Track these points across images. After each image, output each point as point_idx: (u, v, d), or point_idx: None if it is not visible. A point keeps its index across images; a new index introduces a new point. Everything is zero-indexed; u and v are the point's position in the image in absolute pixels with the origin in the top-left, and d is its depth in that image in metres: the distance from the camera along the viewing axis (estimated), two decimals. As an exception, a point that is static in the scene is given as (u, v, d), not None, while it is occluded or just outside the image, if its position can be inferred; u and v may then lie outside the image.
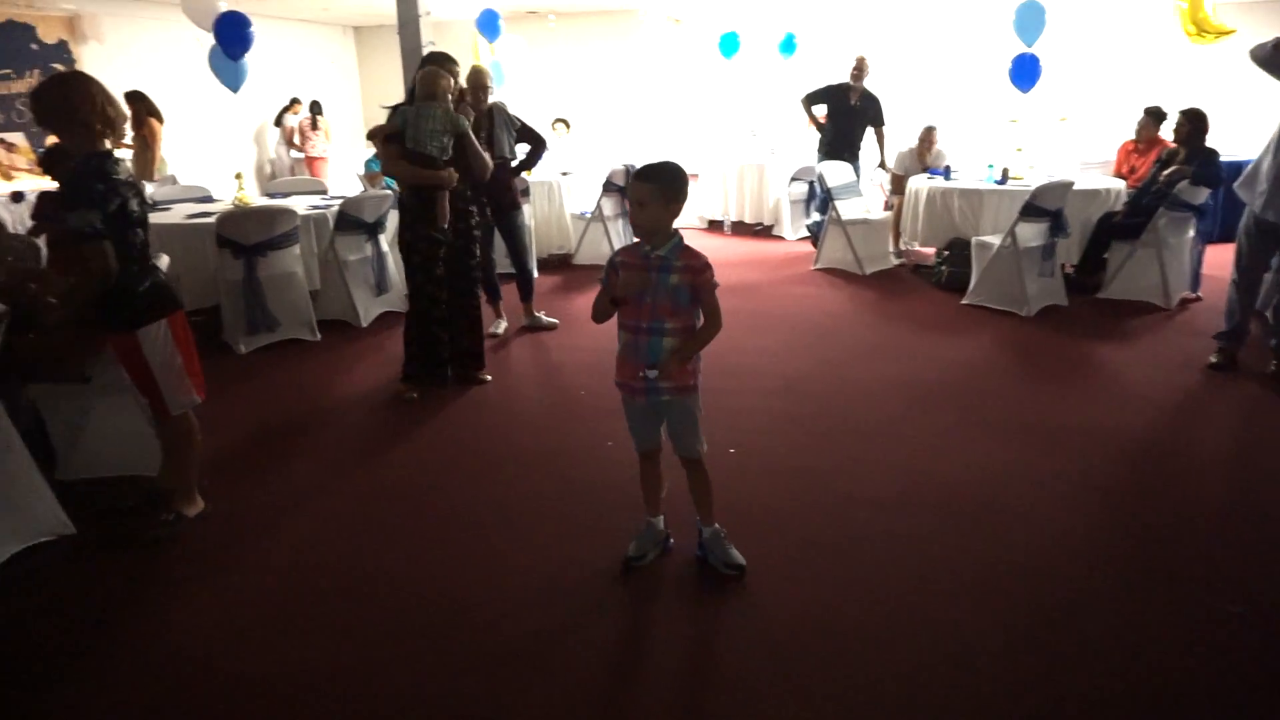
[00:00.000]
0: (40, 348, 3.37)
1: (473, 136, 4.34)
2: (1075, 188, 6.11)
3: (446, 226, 4.34)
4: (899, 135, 8.09)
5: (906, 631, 2.51)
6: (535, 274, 6.20)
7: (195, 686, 2.38)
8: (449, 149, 4.26)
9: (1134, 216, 6.15)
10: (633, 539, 2.90)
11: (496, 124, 5.21)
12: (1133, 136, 7.10)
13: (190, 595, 2.83)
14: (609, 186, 7.57)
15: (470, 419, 4.31)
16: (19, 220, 6.48)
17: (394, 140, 4.22)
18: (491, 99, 5.20)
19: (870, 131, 7.67)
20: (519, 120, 5.41)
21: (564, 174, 8.17)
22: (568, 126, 9.31)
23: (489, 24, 7.84)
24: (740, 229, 9.56)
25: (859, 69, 7.49)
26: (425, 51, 5.85)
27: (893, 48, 11.11)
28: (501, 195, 5.35)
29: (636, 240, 2.64)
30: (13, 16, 8.28)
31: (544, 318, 5.84)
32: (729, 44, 10.05)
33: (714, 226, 9.83)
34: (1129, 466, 3.65)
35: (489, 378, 4.76)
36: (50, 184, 4.70)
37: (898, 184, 7.75)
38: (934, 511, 3.21)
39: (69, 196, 2.76)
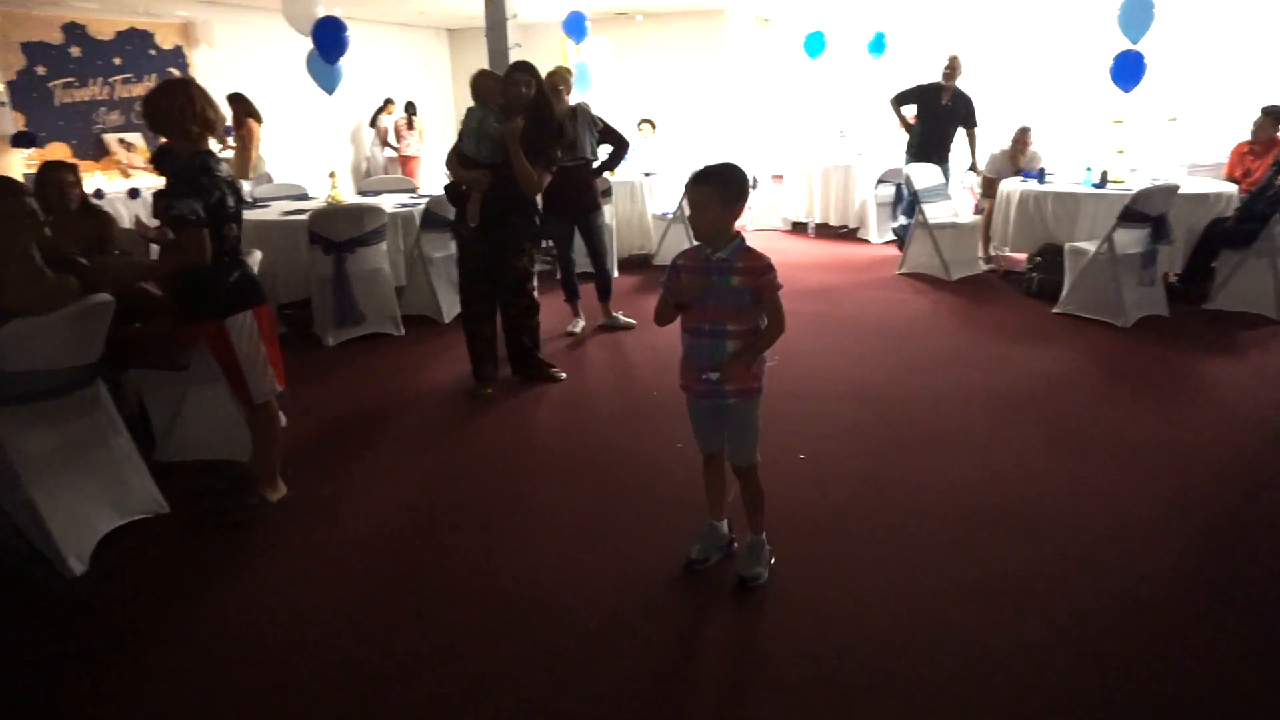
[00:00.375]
0: (143, 337, 3.58)
1: (516, 146, 4.20)
2: (1181, 192, 5.80)
3: (474, 226, 4.38)
4: (991, 136, 7.83)
5: (972, 655, 2.43)
6: (614, 274, 6.24)
7: (275, 664, 2.48)
8: (497, 152, 4.29)
9: (1246, 223, 5.80)
10: (696, 541, 2.89)
11: (579, 124, 5.26)
12: (1248, 138, 6.69)
13: (272, 576, 2.95)
14: (691, 187, 7.56)
15: (543, 416, 4.37)
16: (134, 215, 6.88)
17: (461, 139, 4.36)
18: (575, 99, 5.25)
19: (961, 133, 7.46)
20: (601, 121, 5.46)
21: (647, 174, 8.19)
22: (653, 127, 9.33)
23: (576, 25, 7.92)
24: (824, 231, 9.42)
25: (951, 68, 7.29)
26: (511, 51, 6.00)
27: (987, 45, 10.76)
28: (581, 195, 5.40)
29: (699, 243, 2.63)
30: (135, 24, 8.79)
31: (621, 318, 5.87)
32: (814, 44, 9.90)
33: (797, 229, 9.71)
34: (1231, 490, 3.44)
35: (563, 375, 4.81)
36: (161, 182, 4.97)
37: (989, 187, 7.50)
38: (1011, 529, 3.10)
39: (175, 188, 2.95)
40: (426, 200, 6.04)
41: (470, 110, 4.42)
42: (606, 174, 6.02)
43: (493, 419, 4.32)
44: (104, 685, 2.41)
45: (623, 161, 5.78)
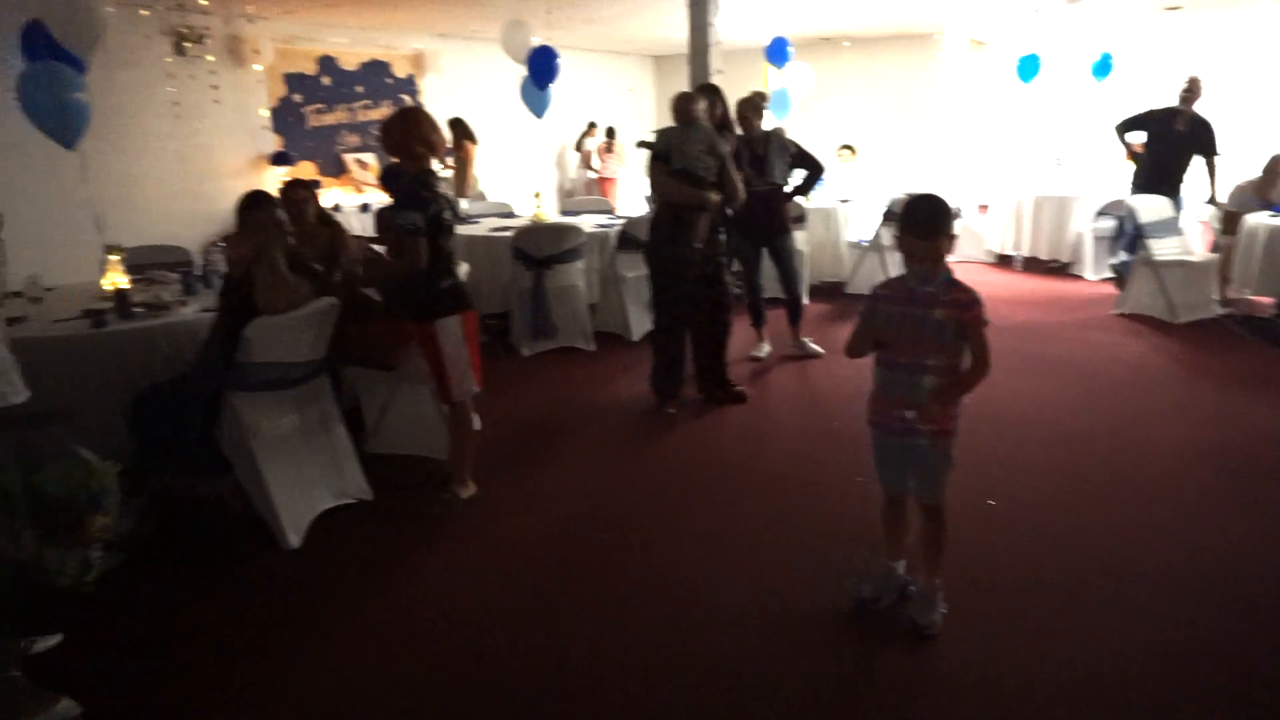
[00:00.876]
0: (362, 337, 3.93)
1: (730, 160, 4.43)
2: None
3: (700, 246, 4.46)
4: (1234, 166, 7.07)
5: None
6: (805, 300, 6.16)
7: (446, 650, 2.64)
8: (714, 170, 4.38)
9: None
10: (868, 580, 2.80)
11: (772, 149, 5.28)
12: None
13: (455, 568, 3.15)
14: (890, 215, 7.34)
15: (723, 437, 4.39)
16: (364, 228, 7.57)
17: (660, 159, 4.42)
18: (773, 124, 5.27)
19: (1197, 162, 6.77)
20: (796, 145, 5.43)
21: (843, 201, 8.05)
22: (853, 153, 9.17)
23: (778, 51, 7.95)
24: (1033, 266, 8.84)
25: (1190, 90, 6.65)
26: (714, 77, 6.11)
27: (1226, 67, 9.73)
28: (770, 219, 5.40)
29: (900, 274, 2.56)
30: (376, 56, 9.72)
31: (810, 345, 5.79)
32: (1028, 67, 9.36)
33: (1003, 262, 9.17)
34: None
35: (746, 396, 4.81)
36: (387, 199, 5.46)
37: (1230, 222, 6.75)
38: (1233, 608, 2.77)
39: (402, 202, 3.27)
40: (623, 221, 6.24)
41: (682, 129, 4.43)
42: (801, 199, 5.97)
43: (674, 436, 4.39)
44: (299, 652, 2.67)
45: (817, 187, 5.71)
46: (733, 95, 5.17)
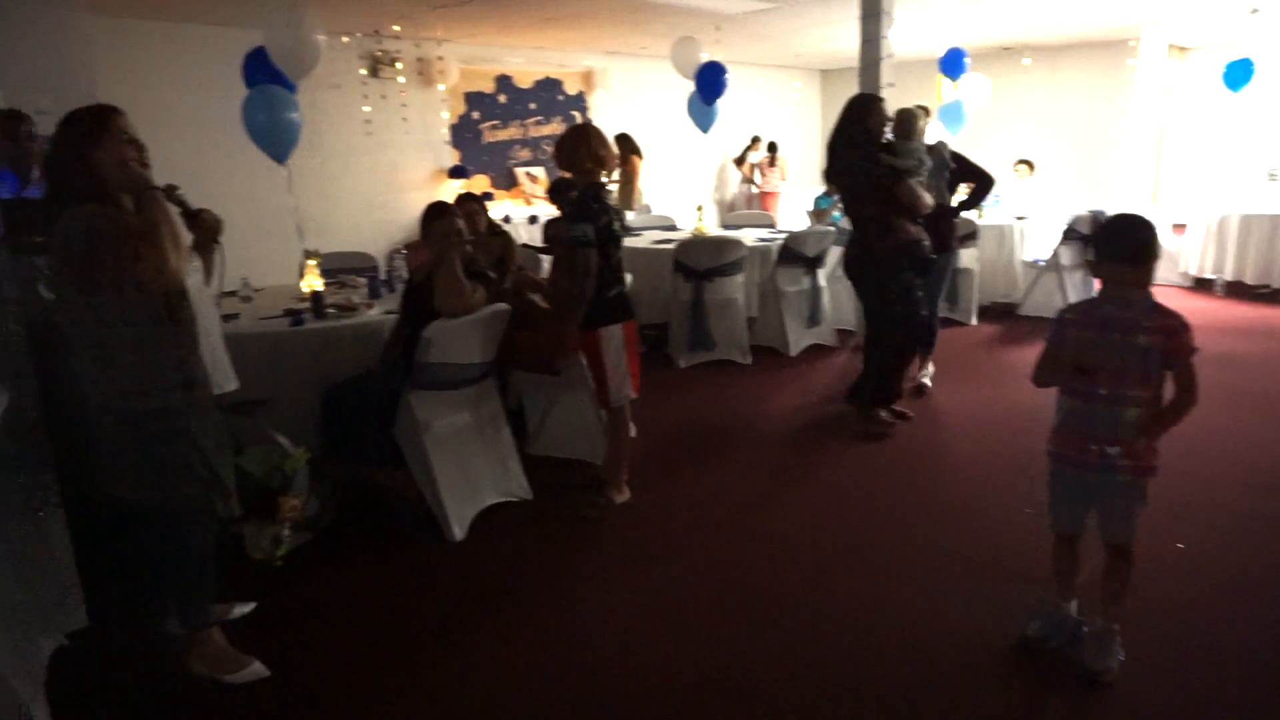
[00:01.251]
0: (529, 343, 4.09)
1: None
2: None
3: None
4: None
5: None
6: (973, 320, 5.86)
7: (598, 657, 2.70)
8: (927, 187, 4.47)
9: None
10: (1035, 618, 2.64)
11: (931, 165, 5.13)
12: None
13: (603, 571, 3.22)
14: (1071, 234, 6.90)
15: (883, 460, 4.26)
16: (532, 239, 7.90)
17: (900, 175, 4.36)
18: (934, 138, 5.11)
19: None
20: (958, 159, 5.25)
21: (1019, 218, 7.65)
22: (1030, 168, 8.69)
23: (954, 63, 7.66)
24: (1237, 290, 8.06)
25: None
26: (884, 90, 5.96)
27: None
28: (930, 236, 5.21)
29: (1092, 297, 2.41)
30: (549, 74, 10.13)
31: (925, 380, 5.40)
32: (1239, 73, 8.53)
33: (1201, 286, 8.42)
34: None
35: (911, 415, 4.70)
36: (554, 211, 5.68)
37: None
38: None
39: (573, 214, 3.40)
40: (785, 236, 6.20)
41: (892, 144, 4.52)
42: (971, 214, 5.72)
43: (833, 453, 4.31)
44: (459, 637, 2.80)
45: (986, 200, 5.44)
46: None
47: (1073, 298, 6.87)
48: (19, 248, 2.67)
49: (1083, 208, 7.00)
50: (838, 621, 2.82)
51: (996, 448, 4.33)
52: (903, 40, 7.28)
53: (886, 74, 6.05)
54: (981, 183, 5.24)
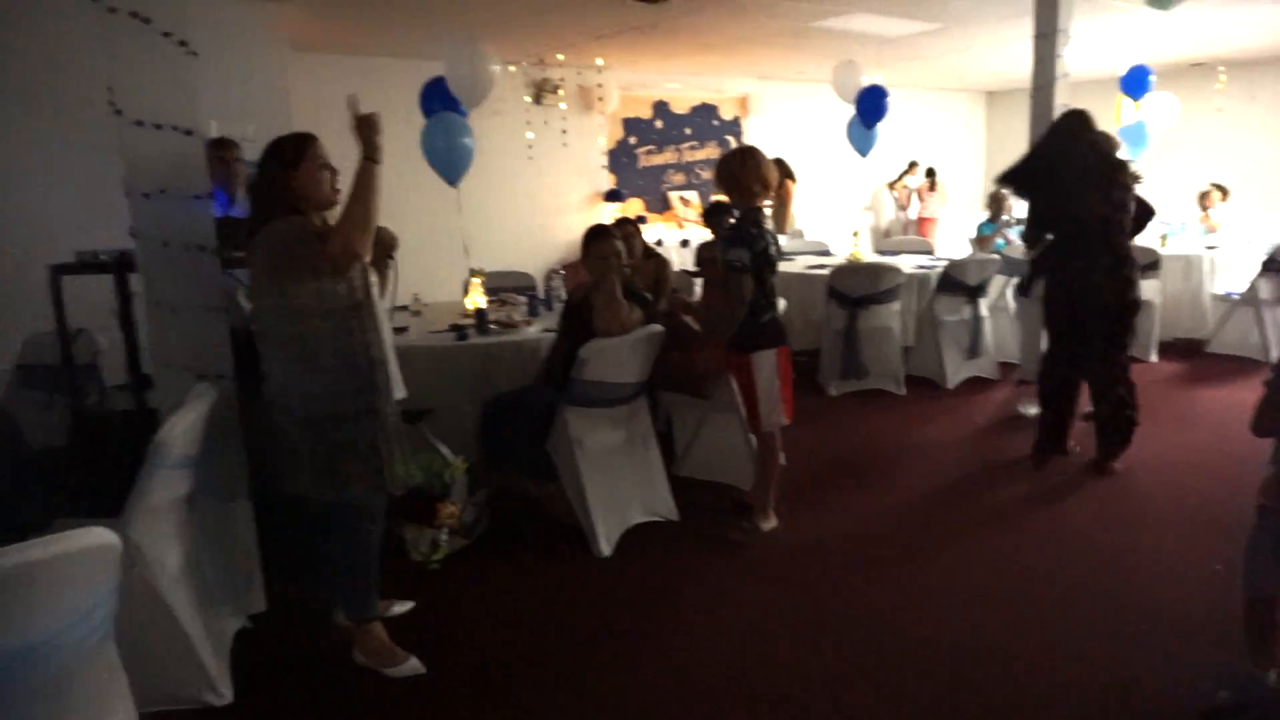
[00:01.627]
0: (681, 365, 4.12)
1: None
2: None
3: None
4: None
5: None
6: (1152, 358, 5.43)
7: (726, 687, 2.66)
8: None
9: None
10: (1225, 685, 2.38)
11: None
12: None
13: (745, 599, 3.17)
14: (1271, 265, 6.30)
15: (1049, 502, 4.00)
16: (683, 262, 7.98)
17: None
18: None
19: None
20: None
21: (1209, 248, 7.05)
22: (1224, 194, 8.02)
23: (1137, 82, 7.18)
24: None
25: None
26: (1058, 112, 5.66)
27: None
28: None
29: None
30: (705, 100, 10.24)
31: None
32: None
33: None
34: None
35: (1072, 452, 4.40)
36: (706, 234, 5.73)
37: None
38: None
39: (732, 238, 3.41)
40: (945, 264, 5.98)
41: None
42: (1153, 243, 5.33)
43: (994, 490, 4.10)
44: (602, 649, 2.83)
45: (1143, 231, 5.08)
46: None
47: (1273, 336, 6.27)
48: (225, 262, 2.94)
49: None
50: (997, 677, 2.65)
51: (1180, 494, 3.98)
52: (1079, 59, 6.91)
53: (1061, 95, 5.74)
54: (1143, 212, 4.87)
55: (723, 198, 4.88)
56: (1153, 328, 6.51)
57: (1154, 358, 6.51)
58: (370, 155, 2.46)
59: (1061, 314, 4.18)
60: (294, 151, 2.54)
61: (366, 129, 2.48)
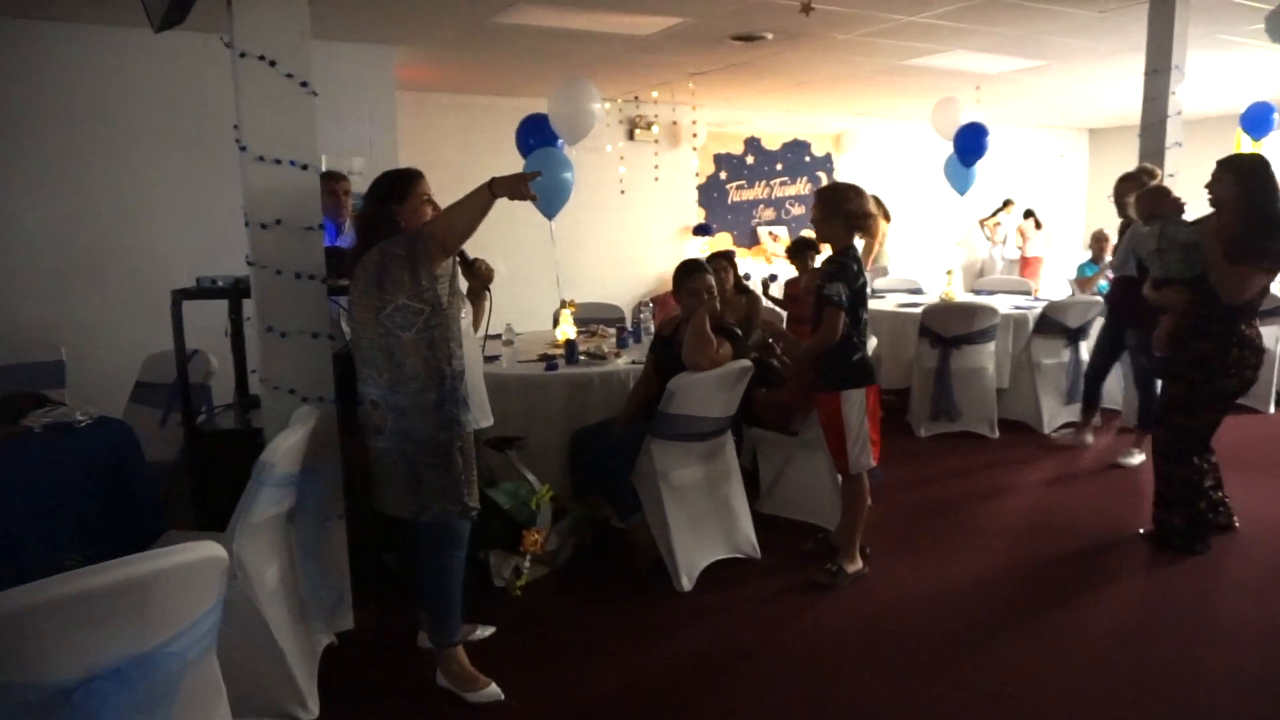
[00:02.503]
0: (768, 401, 4.09)
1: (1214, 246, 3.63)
2: None
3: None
4: None
5: None
6: (1273, 410, 5.15)
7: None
8: (1191, 265, 3.80)
9: None
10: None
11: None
12: None
13: (823, 649, 3.09)
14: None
15: (1155, 565, 3.80)
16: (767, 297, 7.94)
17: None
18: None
19: None
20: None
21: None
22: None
23: (1261, 119, 6.85)
24: None
25: None
26: (1169, 151, 5.45)
27: None
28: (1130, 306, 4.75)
29: None
30: (797, 136, 10.23)
31: (1131, 459, 5.03)
32: None
33: None
34: None
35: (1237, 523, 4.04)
36: (791, 270, 5.71)
37: None
38: None
39: (832, 273, 3.38)
40: (1044, 305, 5.79)
41: (1137, 233, 4.14)
42: None
43: (1092, 548, 3.91)
44: (681, 686, 2.79)
45: None
46: (1194, 171, 4.61)
47: None
48: (332, 290, 3.07)
49: None
50: (1098, 735, 2.52)
51: (1303, 559, 3.72)
52: (1192, 95, 6.65)
53: (1173, 132, 5.53)
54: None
55: (809, 233, 4.87)
56: (1272, 378, 6.14)
57: (1272, 409, 6.14)
58: (493, 188, 2.54)
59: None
60: (401, 187, 2.66)
61: (515, 187, 2.57)
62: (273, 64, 2.79)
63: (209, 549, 1.65)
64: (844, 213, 3.39)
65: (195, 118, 5.23)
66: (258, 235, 2.86)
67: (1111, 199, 5.16)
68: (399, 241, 2.58)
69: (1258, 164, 3.69)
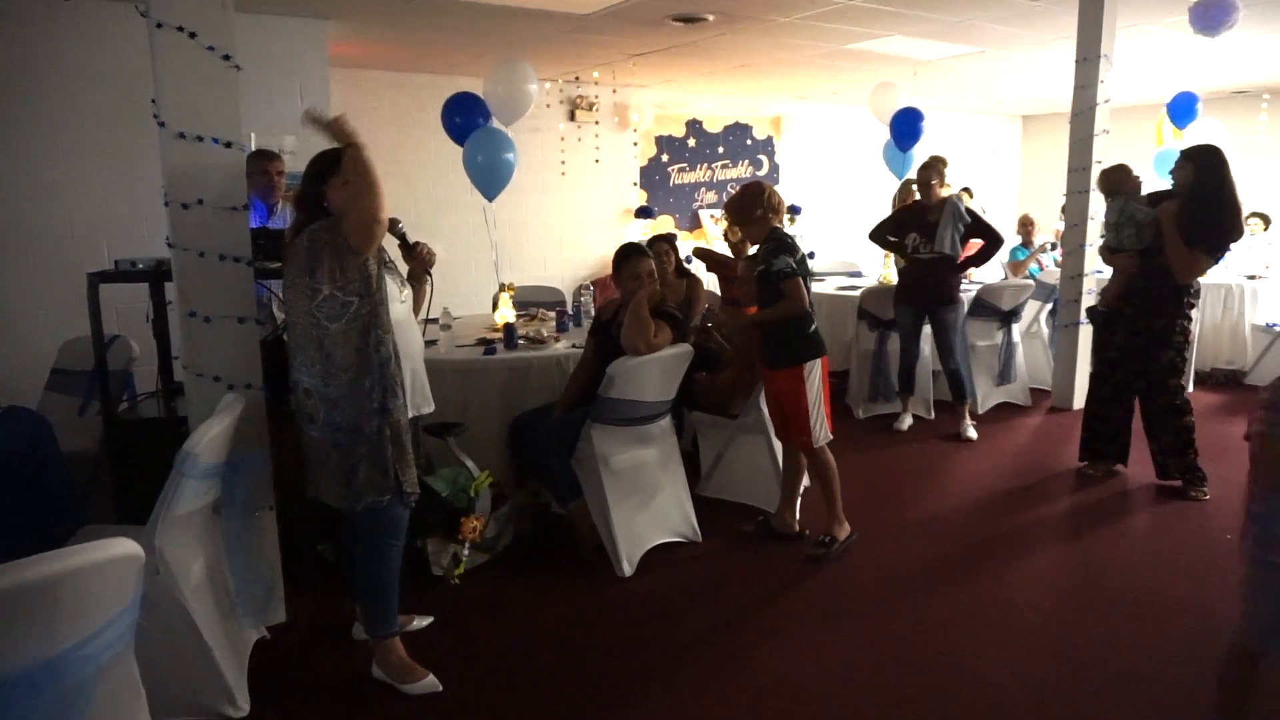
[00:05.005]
0: (708, 384, 4.10)
1: (1172, 228, 4.07)
2: None
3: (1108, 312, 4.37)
4: None
5: None
6: (967, 385, 5.43)
7: (742, 707, 2.61)
8: (1141, 237, 4.23)
9: None
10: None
11: (944, 218, 5.10)
12: None
13: (768, 629, 3.12)
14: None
15: (1077, 536, 3.92)
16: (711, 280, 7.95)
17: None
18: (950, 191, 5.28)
19: None
20: (971, 214, 5.16)
21: (1250, 277, 6.92)
22: (1265, 223, 7.87)
23: (1185, 108, 7.06)
24: None
25: None
26: (1097, 138, 5.60)
27: None
28: (935, 289, 5.19)
29: None
30: (738, 119, 10.24)
31: (969, 430, 5.36)
32: None
33: None
34: None
35: (1206, 495, 4.29)
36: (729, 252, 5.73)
37: None
38: None
39: (772, 250, 3.48)
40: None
41: (1110, 205, 4.45)
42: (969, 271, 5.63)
43: (1021, 524, 4.02)
44: (621, 670, 2.79)
45: (991, 259, 5.41)
46: (1120, 158, 4.76)
47: (1317, 370, 6.12)
48: (261, 273, 2.97)
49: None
50: (1020, 704, 2.59)
51: (1217, 531, 3.88)
52: (1120, 85, 6.84)
53: (1102, 120, 5.68)
54: (990, 240, 5.23)
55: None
56: (1190, 358, 6.38)
57: (1190, 388, 6.38)
58: (347, 142, 2.46)
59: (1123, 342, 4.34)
60: (329, 165, 2.57)
61: (335, 128, 2.48)
62: (193, 35, 2.66)
63: (123, 546, 1.58)
64: (763, 208, 3.52)
65: (117, 92, 4.98)
66: (178, 215, 2.74)
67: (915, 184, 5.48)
68: (325, 226, 2.51)
69: (1212, 154, 4.10)
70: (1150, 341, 4.25)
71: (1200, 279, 4.29)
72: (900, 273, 5.46)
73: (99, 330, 3.18)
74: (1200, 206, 4.00)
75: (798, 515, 3.87)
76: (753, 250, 3.76)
